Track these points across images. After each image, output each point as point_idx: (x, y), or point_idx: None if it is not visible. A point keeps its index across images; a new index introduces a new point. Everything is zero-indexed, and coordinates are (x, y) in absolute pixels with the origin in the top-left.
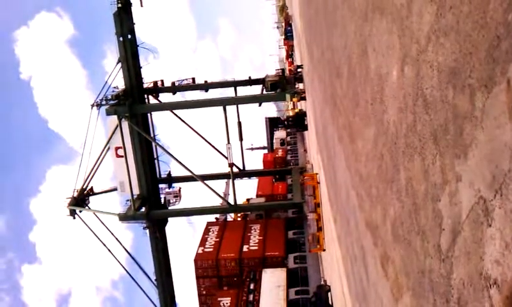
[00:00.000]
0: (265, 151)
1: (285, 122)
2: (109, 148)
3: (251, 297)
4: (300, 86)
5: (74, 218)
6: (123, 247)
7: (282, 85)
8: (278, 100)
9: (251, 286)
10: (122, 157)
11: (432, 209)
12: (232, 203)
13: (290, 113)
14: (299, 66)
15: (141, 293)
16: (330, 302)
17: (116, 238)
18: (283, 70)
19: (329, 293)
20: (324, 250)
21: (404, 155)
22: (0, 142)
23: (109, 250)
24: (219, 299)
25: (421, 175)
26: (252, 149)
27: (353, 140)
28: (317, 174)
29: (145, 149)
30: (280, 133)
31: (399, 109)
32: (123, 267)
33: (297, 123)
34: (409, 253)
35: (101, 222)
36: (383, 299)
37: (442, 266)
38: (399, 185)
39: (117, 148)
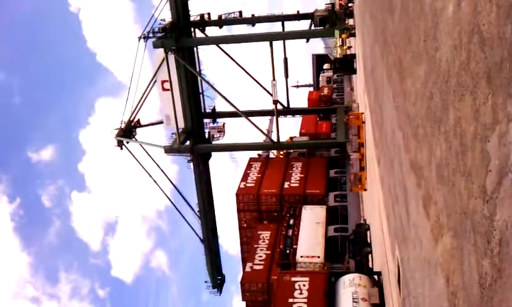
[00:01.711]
0: (311, 89)
1: (332, 65)
2: (155, 81)
3: (290, 232)
4: (350, 21)
5: (121, 149)
6: (168, 178)
7: (331, 20)
8: (327, 36)
9: (291, 222)
10: (168, 90)
11: (480, 150)
12: (275, 140)
13: (339, 50)
14: (349, 1)
15: (184, 223)
16: (369, 241)
17: (161, 170)
18: (333, 5)
19: (368, 232)
20: (365, 190)
21: (454, 94)
22: (51, 75)
23: (154, 181)
24: (259, 232)
25: (471, 115)
26: (297, 86)
27: (403, 78)
28: (362, 113)
29: (191, 83)
30: (326, 74)
31: (452, 45)
32: (168, 198)
33: (346, 66)
34: (452, 194)
35: (147, 153)
36: (422, 238)
37: (486, 207)
38: (447, 126)
39: (163, 82)
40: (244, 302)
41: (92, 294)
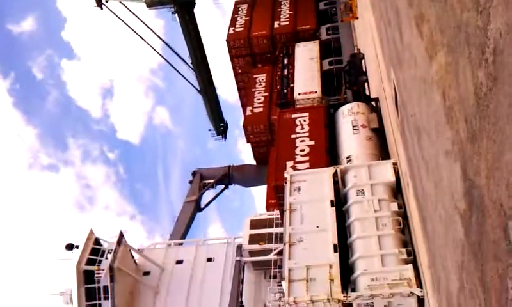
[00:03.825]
0: None
1: None
2: None
3: (285, 72)
4: None
5: (102, 8)
6: (155, 33)
7: None
8: None
9: (285, 61)
10: None
11: None
12: None
13: None
14: None
15: (180, 77)
16: (364, 69)
17: (146, 25)
18: None
19: (362, 61)
20: (356, 18)
21: None
22: None
23: (142, 38)
24: (254, 76)
25: None
26: None
27: None
28: None
29: None
30: None
31: None
32: (159, 53)
33: None
34: (445, 10)
35: (129, 10)
36: (417, 58)
37: (479, 18)
38: None
39: None
40: (249, 144)
41: (103, 157)
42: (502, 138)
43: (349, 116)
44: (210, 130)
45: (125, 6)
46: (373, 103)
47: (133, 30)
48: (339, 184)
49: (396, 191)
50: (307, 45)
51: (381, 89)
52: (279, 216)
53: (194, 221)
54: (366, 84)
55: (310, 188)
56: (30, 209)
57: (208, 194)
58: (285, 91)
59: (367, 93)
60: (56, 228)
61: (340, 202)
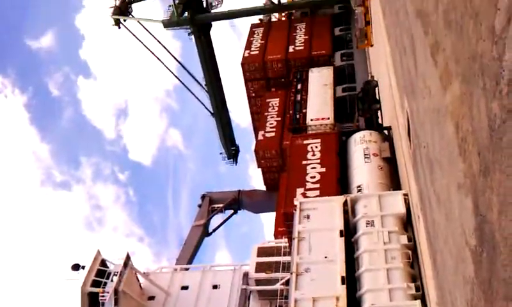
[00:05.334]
0: None
1: None
2: None
3: (298, 97)
4: None
5: (119, 27)
6: (170, 53)
7: None
8: None
9: (299, 87)
10: None
11: None
12: (276, 1)
13: None
14: None
15: (194, 99)
16: (377, 97)
17: (163, 45)
18: None
19: (376, 88)
20: (371, 45)
21: None
22: None
23: (157, 58)
24: (267, 100)
25: None
26: None
27: None
28: None
29: None
30: None
31: None
32: (173, 74)
33: None
34: (460, 39)
35: (146, 30)
36: (431, 88)
37: (494, 48)
38: None
39: None
40: (260, 169)
41: (113, 177)
42: None
43: (361, 144)
44: (221, 153)
45: (142, 25)
46: (385, 131)
47: (149, 50)
48: (349, 213)
49: (406, 223)
50: (321, 71)
51: (394, 118)
52: (287, 244)
53: (201, 246)
54: (379, 112)
55: (319, 216)
56: (41, 226)
57: (217, 219)
58: (298, 116)
59: (380, 121)
60: (65, 246)
61: (349, 232)
